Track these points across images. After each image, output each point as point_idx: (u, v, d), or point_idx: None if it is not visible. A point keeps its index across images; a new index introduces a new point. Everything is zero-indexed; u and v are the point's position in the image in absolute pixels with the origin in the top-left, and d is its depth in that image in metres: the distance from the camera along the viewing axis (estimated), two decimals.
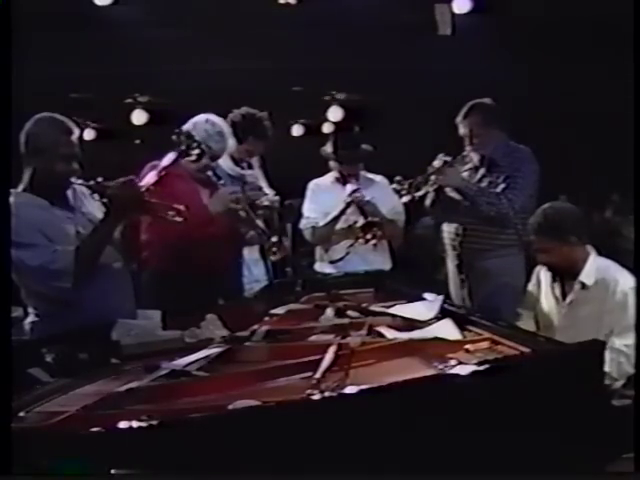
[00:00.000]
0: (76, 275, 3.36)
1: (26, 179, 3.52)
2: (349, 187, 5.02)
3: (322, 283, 4.11)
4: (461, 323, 3.02)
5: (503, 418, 2.28)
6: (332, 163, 5.19)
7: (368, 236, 4.92)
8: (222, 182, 4.30)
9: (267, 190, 4.88)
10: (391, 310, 3.34)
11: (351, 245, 5.03)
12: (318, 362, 2.57)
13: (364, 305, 3.53)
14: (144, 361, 2.87)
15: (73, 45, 7.61)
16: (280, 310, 3.63)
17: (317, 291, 3.94)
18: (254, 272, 4.96)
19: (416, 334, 2.94)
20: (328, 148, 5.18)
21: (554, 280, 4.10)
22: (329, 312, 3.47)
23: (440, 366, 2.54)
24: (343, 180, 5.13)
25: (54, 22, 7.14)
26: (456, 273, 5.03)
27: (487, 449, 2.25)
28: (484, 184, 4.87)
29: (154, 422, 2.05)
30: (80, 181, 3.51)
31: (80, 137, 3.59)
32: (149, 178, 3.71)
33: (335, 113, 10.64)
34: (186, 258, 4.12)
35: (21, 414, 2.37)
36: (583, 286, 3.96)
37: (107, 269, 3.52)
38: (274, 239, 4.24)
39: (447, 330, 2.95)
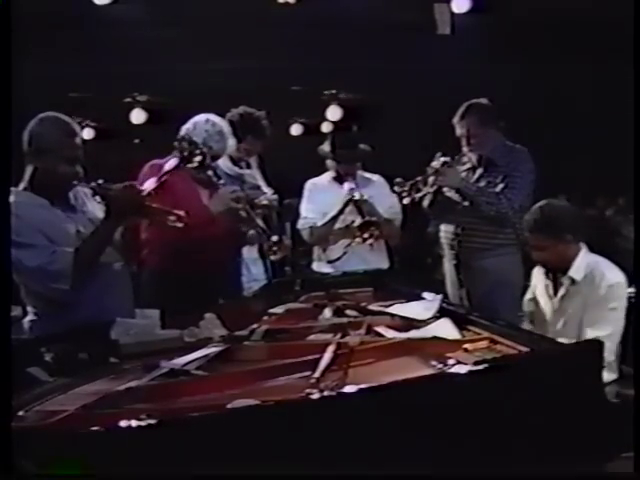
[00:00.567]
0: (74, 277, 3.36)
1: (27, 178, 3.52)
2: (347, 186, 5.02)
3: (321, 282, 4.12)
4: (460, 322, 3.03)
5: (502, 417, 2.28)
6: (329, 162, 5.19)
7: (365, 235, 4.91)
8: (222, 182, 4.30)
9: (265, 189, 4.88)
10: (390, 309, 3.34)
11: (348, 245, 5.03)
12: (317, 361, 2.58)
13: (363, 304, 3.54)
14: (143, 360, 2.87)
15: (72, 44, 7.61)
16: (279, 309, 3.63)
17: (316, 290, 3.94)
18: (253, 271, 4.96)
19: (415, 333, 2.95)
20: (326, 147, 5.18)
21: (547, 277, 4.13)
22: (328, 311, 3.47)
23: (439, 365, 2.54)
24: (340, 179, 5.13)
25: (54, 21, 7.14)
26: (454, 272, 5.03)
27: (486, 448, 2.25)
28: (482, 184, 4.88)
29: (153, 421, 2.05)
30: (82, 183, 3.51)
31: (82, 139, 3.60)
32: (150, 183, 3.71)
33: (334, 112, 10.64)
34: (186, 257, 4.12)
35: (20, 413, 2.37)
36: (572, 281, 3.99)
37: (106, 269, 3.53)
38: (274, 238, 4.24)
39: (446, 329, 2.95)
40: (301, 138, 11.21)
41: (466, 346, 2.74)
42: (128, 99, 10.28)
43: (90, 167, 3.56)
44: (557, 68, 8.46)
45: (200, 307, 3.43)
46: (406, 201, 4.84)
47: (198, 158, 4.05)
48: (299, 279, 4.12)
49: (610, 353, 3.66)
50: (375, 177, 5.31)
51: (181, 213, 3.55)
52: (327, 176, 5.25)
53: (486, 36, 7.77)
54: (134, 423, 2.03)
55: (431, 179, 4.84)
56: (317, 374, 2.48)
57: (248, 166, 4.98)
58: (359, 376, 2.49)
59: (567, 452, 2.33)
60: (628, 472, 2.44)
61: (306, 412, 2.18)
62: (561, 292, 4.05)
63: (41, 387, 2.67)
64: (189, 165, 4.07)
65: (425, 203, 4.97)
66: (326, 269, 5.07)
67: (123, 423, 2.03)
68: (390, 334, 2.99)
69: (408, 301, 3.45)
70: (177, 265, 4.19)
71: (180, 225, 3.54)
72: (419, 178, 4.85)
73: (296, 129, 11.42)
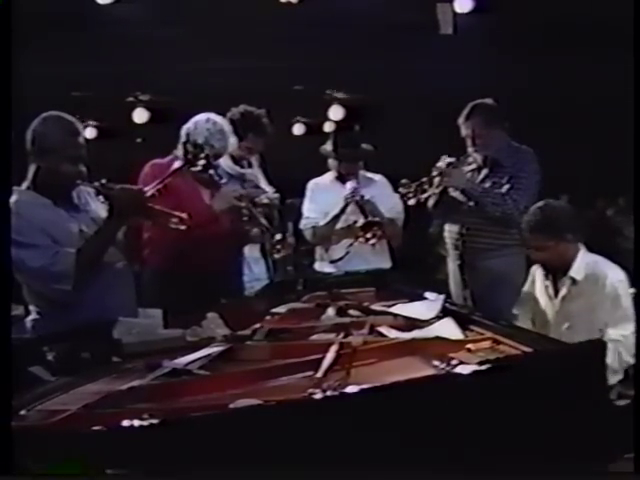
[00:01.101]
0: (77, 277, 3.36)
1: (30, 177, 3.52)
2: (349, 186, 5.02)
3: (323, 282, 4.12)
4: (463, 322, 3.03)
5: (504, 418, 2.27)
6: (331, 162, 5.19)
7: (368, 235, 4.92)
8: (224, 181, 4.30)
9: (266, 188, 4.88)
10: (392, 309, 3.34)
11: (351, 245, 5.03)
12: (319, 361, 2.57)
13: (365, 304, 3.54)
14: (146, 360, 2.87)
15: (75, 43, 7.61)
16: (281, 309, 3.63)
17: (318, 290, 3.95)
18: (255, 270, 4.95)
19: (417, 333, 2.94)
20: (328, 146, 5.18)
21: (547, 278, 4.13)
22: (330, 311, 3.47)
23: (441, 366, 2.53)
24: (342, 179, 5.13)
25: (56, 20, 7.14)
26: (458, 273, 5.03)
27: (488, 449, 2.25)
28: (488, 184, 4.88)
29: (156, 421, 2.04)
30: (86, 183, 3.51)
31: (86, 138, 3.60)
32: (153, 185, 3.70)
33: (336, 112, 10.65)
34: (188, 257, 4.12)
35: (22, 412, 2.37)
36: (573, 281, 4.00)
37: (109, 268, 3.53)
38: (278, 236, 4.24)
39: (448, 329, 2.95)
40: (303, 138, 11.21)
41: (469, 346, 2.73)
42: (130, 98, 10.28)
43: (92, 166, 3.57)
44: (559, 68, 8.45)
45: (202, 306, 3.43)
46: (412, 202, 4.84)
47: (202, 162, 4.06)
48: (302, 279, 4.12)
49: (629, 350, 3.69)
50: (377, 177, 5.31)
51: (183, 215, 3.56)
52: (329, 176, 5.26)
53: (488, 36, 7.76)
54: (136, 423, 2.03)
55: (436, 180, 4.84)
56: (320, 374, 2.48)
57: (249, 165, 4.98)
58: (362, 376, 2.49)
59: (569, 452, 2.32)
60: (628, 472, 2.44)
61: (309, 412, 2.18)
62: (562, 293, 4.05)
63: (43, 386, 2.66)
64: (193, 168, 4.08)
65: (430, 203, 4.97)
66: (328, 269, 5.07)
67: (125, 423, 2.03)
68: (393, 334, 2.99)
69: (411, 301, 3.46)
70: (179, 264, 4.19)
71: (182, 227, 3.55)
72: (424, 179, 4.85)
73: (298, 129, 11.43)
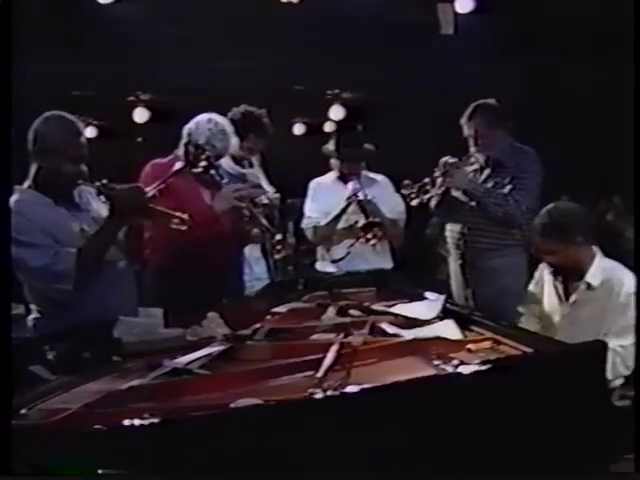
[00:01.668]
0: (77, 277, 3.37)
1: (32, 176, 3.52)
2: (350, 186, 5.03)
3: (324, 282, 4.12)
4: (463, 323, 3.03)
5: (505, 418, 2.27)
6: (333, 161, 5.20)
7: (369, 236, 4.92)
8: (225, 181, 4.30)
9: (267, 188, 4.88)
10: (393, 309, 3.35)
11: (352, 245, 5.03)
12: (320, 361, 2.57)
13: (366, 304, 3.54)
14: (146, 359, 2.87)
15: (75, 43, 7.61)
16: (282, 309, 3.64)
17: (319, 290, 3.95)
18: (255, 270, 4.96)
19: (418, 333, 2.94)
20: (330, 146, 5.18)
21: (556, 279, 4.08)
22: (331, 311, 3.48)
23: (442, 366, 2.54)
24: (344, 179, 5.13)
25: (57, 19, 7.14)
26: (459, 273, 5.02)
27: (488, 449, 2.25)
28: (490, 185, 4.89)
29: (156, 420, 2.05)
30: (87, 183, 3.51)
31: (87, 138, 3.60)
32: (154, 185, 3.70)
33: (337, 112, 10.64)
34: (189, 256, 4.12)
35: (23, 411, 2.37)
36: (589, 286, 3.94)
37: (110, 267, 3.53)
38: (278, 237, 4.24)
39: (449, 330, 2.95)
40: (304, 138, 11.21)
41: (469, 346, 2.74)
42: (131, 98, 10.28)
43: (93, 165, 3.57)
44: (559, 68, 8.45)
45: (203, 306, 3.43)
46: (414, 203, 4.84)
47: (203, 163, 4.07)
48: (302, 278, 4.12)
49: (632, 359, 3.63)
50: (379, 177, 5.31)
51: (184, 216, 3.56)
52: (331, 175, 5.26)
53: (489, 36, 7.77)
54: (137, 422, 2.02)
55: (439, 180, 4.84)
56: (320, 374, 2.48)
57: (250, 165, 4.98)
58: (362, 376, 2.48)
59: (570, 453, 2.32)
60: (629, 472, 2.44)
61: (309, 412, 2.18)
62: (574, 297, 3.99)
63: (44, 385, 2.66)
64: (194, 170, 4.08)
65: (432, 203, 4.97)
66: (330, 269, 5.07)
67: (126, 422, 2.03)
68: (394, 330, 2.99)
69: (411, 301, 3.46)
70: (180, 264, 4.20)
71: (183, 228, 3.56)
72: (427, 179, 4.86)
73: (299, 129, 11.42)
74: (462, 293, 4.99)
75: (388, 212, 5.05)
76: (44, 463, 1.95)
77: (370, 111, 9.90)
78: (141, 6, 7.52)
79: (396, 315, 3.24)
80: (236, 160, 4.82)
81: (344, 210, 5.05)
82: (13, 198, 3.43)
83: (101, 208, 3.61)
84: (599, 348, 2.45)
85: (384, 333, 3.00)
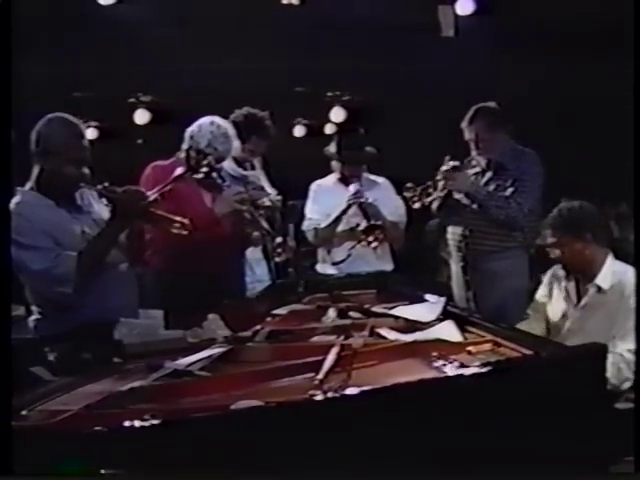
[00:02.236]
0: (78, 279, 3.37)
1: (34, 178, 3.53)
2: (352, 188, 5.03)
3: (324, 284, 4.12)
4: (463, 325, 3.03)
5: (505, 420, 2.28)
6: (334, 163, 5.20)
7: (370, 239, 4.93)
8: (227, 184, 4.30)
9: (269, 190, 4.88)
10: (393, 311, 3.34)
11: (353, 247, 5.04)
12: (321, 363, 2.57)
13: (366, 306, 3.54)
14: (147, 360, 2.87)
15: (76, 44, 7.61)
16: (282, 310, 3.64)
17: (319, 292, 3.95)
18: (257, 272, 4.97)
19: (418, 335, 2.94)
20: (332, 148, 5.19)
21: (568, 281, 4.06)
22: (331, 313, 3.48)
23: (442, 368, 2.54)
24: (345, 181, 5.14)
25: (58, 21, 7.14)
26: (461, 275, 5.03)
27: (489, 451, 2.25)
28: (492, 188, 4.89)
29: (157, 421, 2.05)
30: (88, 185, 3.52)
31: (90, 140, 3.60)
32: (156, 190, 3.70)
33: (337, 114, 10.62)
34: (189, 259, 4.12)
35: (23, 412, 2.37)
36: (599, 289, 3.92)
37: (111, 269, 3.53)
38: (279, 240, 4.24)
39: (449, 332, 2.95)
40: (304, 139, 11.20)
41: (470, 349, 2.74)
42: (132, 99, 10.27)
43: (93, 167, 3.57)
44: (561, 70, 8.44)
45: (203, 308, 3.44)
46: (417, 206, 4.84)
47: (205, 169, 4.07)
48: (303, 280, 4.12)
49: (631, 372, 3.61)
50: (380, 179, 5.32)
51: (185, 221, 3.57)
52: (332, 177, 5.27)
53: (490, 38, 7.76)
54: (137, 423, 2.03)
55: (441, 183, 4.84)
56: (321, 375, 2.48)
57: (252, 167, 4.99)
58: (363, 378, 2.49)
59: (570, 455, 2.33)
60: (629, 472, 2.44)
61: (310, 413, 2.18)
62: (585, 300, 3.97)
63: (45, 386, 2.67)
64: (195, 175, 4.08)
65: (434, 206, 4.97)
66: (330, 271, 5.08)
67: (127, 423, 2.03)
68: (393, 336, 2.99)
69: (412, 303, 3.46)
70: (181, 266, 4.20)
71: (184, 232, 3.56)
72: (429, 182, 4.86)
73: (299, 130, 11.41)
74: (463, 295, 4.99)
75: (389, 214, 5.06)
76: (45, 464, 1.95)
77: (371, 113, 9.89)
78: (142, 7, 7.50)
79: (396, 317, 3.24)
80: (238, 162, 4.83)
81: (344, 212, 5.05)
82: (15, 199, 3.43)
83: (103, 210, 3.62)
84: (599, 350, 2.45)
85: (383, 338, 3.00)
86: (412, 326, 3.10)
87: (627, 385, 3.63)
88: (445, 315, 3.16)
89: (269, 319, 3.52)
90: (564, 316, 4.06)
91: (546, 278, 4.22)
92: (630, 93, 3.28)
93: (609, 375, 3.26)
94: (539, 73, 8.47)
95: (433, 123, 8.41)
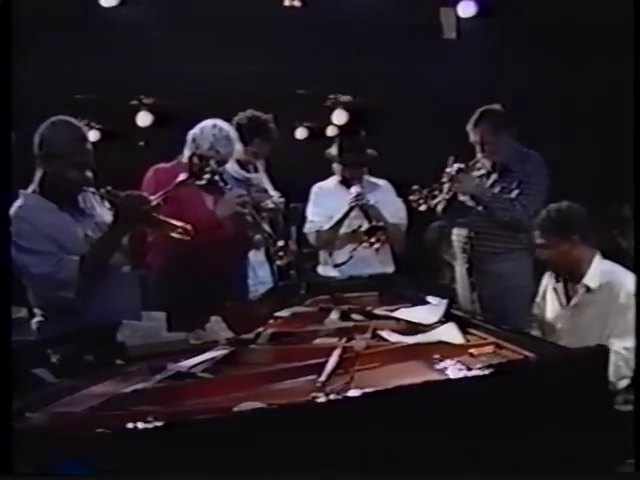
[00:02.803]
0: (81, 283, 3.37)
1: (37, 181, 3.53)
2: (353, 190, 5.04)
3: (326, 286, 4.13)
4: (465, 327, 3.03)
5: (506, 422, 2.28)
6: (336, 166, 5.21)
7: (372, 240, 4.93)
8: (229, 187, 4.30)
9: (272, 192, 4.89)
10: (395, 313, 3.35)
11: (354, 249, 5.04)
12: (323, 365, 2.58)
13: (368, 308, 3.55)
14: (149, 362, 2.87)
15: (77, 46, 7.61)
16: (285, 313, 3.64)
17: (321, 294, 3.95)
18: (259, 274, 4.97)
19: (420, 338, 2.95)
20: (333, 150, 5.19)
21: (557, 282, 4.10)
22: (333, 315, 3.49)
23: (444, 370, 2.55)
24: (347, 183, 5.14)
25: (59, 22, 7.14)
26: (466, 276, 5.03)
27: (490, 452, 2.25)
28: (497, 190, 4.90)
29: (159, 423, 2.05)
30: (91, 189, 3.52)
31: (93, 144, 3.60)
32: (158, 195, 3.70)
33: (339, 116, 10.62)
34: (191, 261, 4.12)
35: (26, 414, 2.37)
36: (588, 289, 3.96)
37: (114, 271, 3.53)
38: (280, 243, 4.24)
39: (451, 334, 2.95)
40: (306, 142, 11.20)
41: (472, 351, 2.75)
42: (134, 101, 10.27)
43: (95, 169, 3.57)
44: (563, 72, 8.44)
45: (206, 310, 3.44)
46: (423, 208, 4.85)
47: (207, 176, 4.06)
48: (305, 283, 4.12)
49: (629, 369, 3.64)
50: (381, 182, 5.32)
51: (187, 226, 3.57)
52: (333, 180, 5.27)
53: (492, 40, 7.76)
54: (140, 425, 2.03)
55: (446, 185, 4.85)
56: (323, 378, 2.49)
57: (255, 170, 4.99)
58: (365, 380, 2.49)
59: (571, 456, 2.33)
60: (629, 472, 2.45)
61: (312, 415, 2.19)
62: (575, 300, 4.01)
63: (47, 389, 2.67)
64: (197, 182, 4.07)
65: (439, 208, 4.98)
66: (332, 273, 5.08)
67: (129, 425, 2.03)
68: (396, 338, 2.99)
69: (414, 305, 3.46)
70: (182, 269, 4.20)
71: (187, 238, 3.57)
72: (435, 185, 4.87)
73: (301, 133, 11.40)
74: (468, 297, 5.00)
75: (390, 217, 5.06)
76: (48, 466, 1.95)
77: (372, 116, 9.90)
78: (145, 9, 7.50)
79: (398, 319, 3.25)
80: (241, 165, 4.84)
81: (347, 214, 5.06)
82: (17, 203, 3.43)
83: (105, 214, 3.62)
84: (601, 353, 2.45)
85: (385, 341, 3.00)
86: (414, 328, 3.11)
87: (625, 383, 3.66)
88: (447, 317, 3.17)
89: (271, 321, 3.53)
90: (557, 318, 4.10)
91: (541, 288, 4.26)
92: (630, 93, 3.29)
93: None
94: (541, 75, 8.47)
95: (434, 125, 8.41)
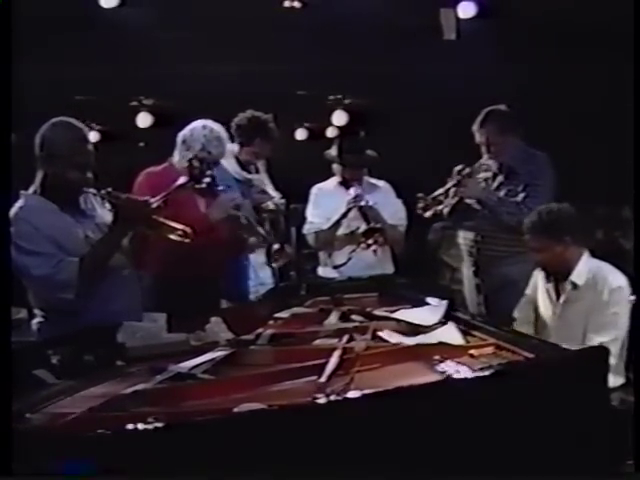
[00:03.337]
0: (81, 285, 3.37)
1: (38, 182, 3.53)
2: (352, 191, 5.03)
3: (326, 287, 4.13)
4: (465, 328, 3.03)
5: (506, 422, 2.28)
6: (336, 167, 5.20)
7: (370, 242, 4.93)
8: (221, 189, 4.26)
9: (273, 193, 4.89)
10: (395, 315, 3.35)
11: (353, 250, 5.04)
12: (323, 366, 2.58)
13: (368, 309, 3.54)
14: (150, 363, 2.88)
15: (78, 47, 7.61)
16: (285, 314, 3.64)
17: (321, 295, 3.95)
18: (260, 275, 4.97)
19: (420, 339, 2.95)
20: (333, 151, 5.19)
21: (548, 281, 4.13)
22: (333, 316, 3.48)
23: (444, 371, 2.55)
24: (346, 184, 5.14)
25: (60, 23, 7.14)
26: (472, 279, 5.02)
27: (490, 453, 2.25)
28: (503, 192, 4.88)
29: (160, 424, 2.05)
30: (92, 190, 3.52)
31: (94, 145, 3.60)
32: (158, 197, 3.69)
33: (339, 117, 10.62)
34: (185, 264, 4.09)
35: (27, 415, 2.37)
36: (574, 286, 4.00)
37: (114, 272, 3.53)
38: (276, 246, 4.23)
39: (451, 335, 2.96)
40: (306, 143, 11.20)
41: (472, 352, 2.75)
42: (134, 102, 10.28)
43: (96, 170, 3.57)
44: (563, 73, 8.44)
45: (206, 311, 3.44)
46: (428, 214, 4.83)
47: (207, 179, 4.05)
48: (305, 284, 4.12)
49: (614, 357, 3.67)
50: (381, 183, 5.32)
51: (187, 229, 3.57)
52: (333, 181, 5.27)
53: (492, 41, 7.76)
54: (141, 426, 2.03)
55: (452, 190, 4.84)
56: (323, 379, 2.49)
57: (257, 171, 4.99)
58: (365, 381, 2.49)
59: (571, 456, 2.33)
60: (629, 472, 2.45)
61: (312, 416, 2.19)
62: (563, 297, 4.05)
63: (48, 389, 2.67)
64: (197, 186, 4.06)
65: (445, 211, 4.97)
66: (332, 274, 5.08)
67: (130, 426, 2.04)
68: (396, 339, 3.00)
69: (413, 306, 3.46)
70: (176, 271, 4.18)
71: (187, 240, 3.57)
72: (441, 190, 4.85)
73: (301, 134, 11.40)
74: (475, 299, 4.99)
75: (389, 218, 5.06)
76: (48, 467, 1.95)
77: (372, 117, 9.90)
78: (144, 10, 7.51)
79: (398, 320, 3.25)
80: (242, 165, 4.84)
81: (345, 215, 5.05)
82: (18, 204, 3.44)
83: (106, 215, 3.62)
84: (601, 354, 2.46)
85: (385, 342, 3.00)
86: (414, 329, 3.11)
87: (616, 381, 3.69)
88: (447, 318, 3.17)
89: (272, 322, 3.53)
90: (548, 316, 4.13)
91: (531, 282, 4.29)
92: (630, 93, 3.29)
93: None
94: (541, 76, 8.47)
95: (434, 126, 8.41)
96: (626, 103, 3.49)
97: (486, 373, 2.37)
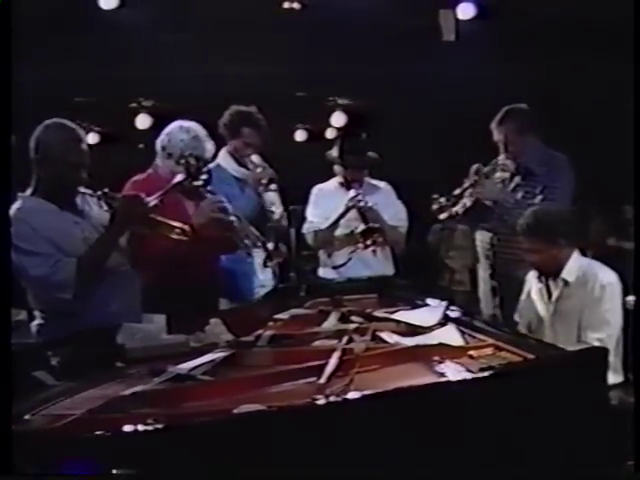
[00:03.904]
0: (79, 285, 3.37)
1: (34, 184, 3.53)
2: (351, 192, 5.03)
3: (326, 288, 4.12)
4: (465, 329, 3.04)
5: (506, 423, 2.28)
6: (337, 168, 5.20)
7: (368, 242, 4.92)
8: (209, 189, 4.19)
9: (279, 208, 4.85)
10: (395, 316, 3.35)
11: (353, 251, 5.03)
12: (322, 367, 2.58)
13: (368, 311, 3.54)
14: (149, 365, 2.88)
15: (77, 48, 7.62)
16: (284, 315, 3.64)
17: (321, 296, 3.95)
18: (260, 277, 4.95)
19: (420, 340, 2.95)
20: (334, 152, 5.18)
21: (540, 281, 4.14)
22: (333, 317, 3.48)
23: (444, 372, 2.55)
24: (347, 185, 5.13)
25: (59, 24, 7.15)
26: (488, 281, 5.01)
27: (490, 453, 2.25)
28: (520, 194, 4.82)
29: (159, 426, 2.05)
30: (88, 191, 3.52)
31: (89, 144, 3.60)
32: (156, 196, 3.68)
33: (338, 119, 10.63)
34: (179, 266, 4.03)
35: (26, 417, 2.37)
36: (565, 283, 4.02)
37: (113, 273, 3.53)
38: (270, 246, 4.20)
39: (451, 336, 2.96)
40: (305, 144, 11.20)
41: (471, 353, 2.75)
42: (133, 104, 10.28)
43: (95, 172, 3.57)
44: (563, 73, 8.45)
45: (205, 312, 3.44)
46: (443, 216, 4.80)
47: (204, 176, 4.03)
48: (304, 285, 4.12)
49: (610, 353, 3.68)
50: (382, 184, 5.31)
51: (185, 227, 3.57)
52: (334, 182, 5.26)
53: (491, 42, 7.76)
54: (140, 427, 2.03)
55: (468, 191, 4.80)
56: (323, 380, 2.49)
57: (255, 167, 4.95)
58: (364, 382, 2.49)
59: (571, 459, 2.33)
60: (629, 472, 2.45)
61: (312, 418, 2.19)
62: (555, 295, 4.07)
63: (47, 391, 2.67)
64: (195, 183, 4.03)
65: (460, 211, 4.92)
66: (331, 275, 5.08)
67: (129, 428, 2.04)
68: (395, 340, 3.00)
69: (413, 308, 3.46)
70: (167, 273, 4.14)
71: (185, 238, 3.56)
72: (457, 191, 4.81)
73: (300, 135, 11.41)
74: (490, 301, 4.97)
75: (390, 219, 5.05)
76: (48, 468, 1.96)
77: (372, 118, 9.90)
78: (144, 12, 7.51)
79: (398, 322, 3.25)
80: (239, 162, 4.82)
81: (343, 215, 5.04)
82: (16, 205, 3.44)
83: (103, 215, 3.62)
84: (601, 354, 2.46)
85: (385, 343, 3.00)
86: (414, 330, 3.11)
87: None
88: (446, 319, 3.17)
89: (271, 323, 3.52)
90: (542, 313, 4.14)
91: (525, 287, 4.29)
92: (630, 93, 3.29)
93: None
94: (540, 77, 8.47)
95: (434, 127, 8.42)
96: (626, 103, 3.49)
97: (485, 374, 2.37)
